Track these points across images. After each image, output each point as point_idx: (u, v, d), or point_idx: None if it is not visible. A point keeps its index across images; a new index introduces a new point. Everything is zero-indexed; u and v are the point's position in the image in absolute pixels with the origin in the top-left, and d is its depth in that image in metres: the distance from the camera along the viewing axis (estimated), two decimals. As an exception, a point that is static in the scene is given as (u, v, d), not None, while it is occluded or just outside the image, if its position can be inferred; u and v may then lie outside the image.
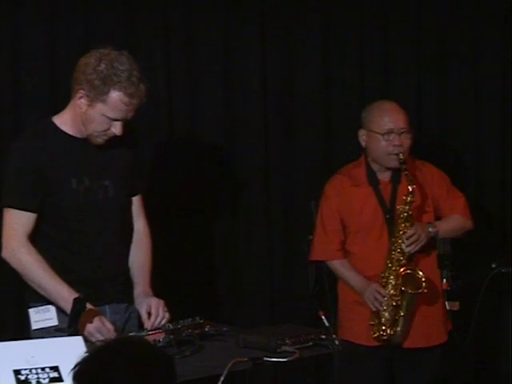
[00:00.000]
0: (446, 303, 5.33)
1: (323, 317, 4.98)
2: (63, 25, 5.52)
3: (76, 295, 4.38)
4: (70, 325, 4.39)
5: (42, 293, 4.47)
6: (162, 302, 4.55)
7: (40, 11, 5.50)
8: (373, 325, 5.18)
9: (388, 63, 6.18)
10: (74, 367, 2.75)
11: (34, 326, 4.52)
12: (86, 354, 2.86)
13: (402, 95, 5.77)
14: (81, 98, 4.44)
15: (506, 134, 6.35)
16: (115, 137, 4.49)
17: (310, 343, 4.66)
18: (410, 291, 5.12)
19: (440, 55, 6.29)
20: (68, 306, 4.37)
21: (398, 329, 5.17)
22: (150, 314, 4.53)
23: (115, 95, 4.39)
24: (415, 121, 5.40)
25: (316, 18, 6.05)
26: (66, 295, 4.41)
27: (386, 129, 5.19)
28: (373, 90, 5.95)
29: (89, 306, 4.40)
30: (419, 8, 6.21)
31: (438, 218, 5.31)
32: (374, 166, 5.28)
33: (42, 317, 4.51)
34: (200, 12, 5.83)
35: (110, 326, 4.39)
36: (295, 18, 6.01)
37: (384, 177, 5.28)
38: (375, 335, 5.17)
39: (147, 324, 4.53)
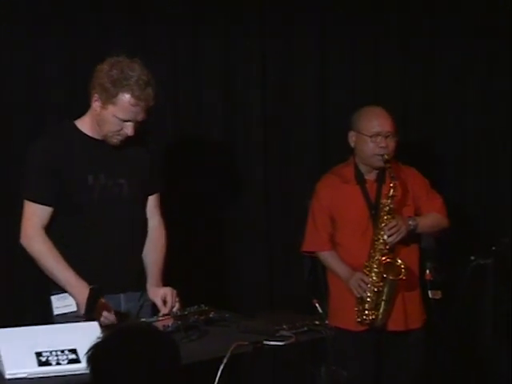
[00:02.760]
0: (429, 292, 5.40)
1: (317, 304, 5.00)
2: (83, 38, 5.52)
3: (83, 283, 4.42)
4: (86, 311, 4.41)
5: (54, 279, 4.48)
6: (174, 292, 4.57)
7: (63, 24, 5.49)
8: (357, 310, 5.20)
9: (377, 74, 6.16)
10: (88, 351, 2.76)
11: (56, 312, 4.52)
12: (99, 339, 2.87)
13: (389, 102, 5.73)
14: (95, 101, 4.46)
15: (483, 140, 6.38)
16: (131, 139, 4.50)
17: (305, 328, 4.68)
18: (390, 277, 5.14)
19: (425, 68, 6.28)
20: (74, 293, 4.44)
21: (380, 313, 5.19)
22: (165, 302, 4.55)
23: (124, 97, 4.40)
24: (400, 124, 5.38)
25: (313, 35, 6.06)
26: (73, 282, 4.44)
27: (373, 131, 5.21)
28: (363, 96, 5.91)
29: (101, 295, 4.39)
30: (406, 23, 6.22)
31: (418, 215, 5.32)
32: (362, 167, 5.31)
33: (62, 303, 4.51)
34: (205, 25, 5.81)
35: (112, 318, 4.40)
36: (293, 33, 6.01)
37: (370, 176, 5.30)
38: (359, 320, 5.19)
39: (163, 310, 4.54)
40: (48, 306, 4.54)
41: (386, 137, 5.19)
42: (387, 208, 5.16)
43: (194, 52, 5.82)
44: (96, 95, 4.45)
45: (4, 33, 5.38)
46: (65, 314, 4.49)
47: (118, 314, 4.47)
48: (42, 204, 4.49)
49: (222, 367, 4.25)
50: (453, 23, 6.28)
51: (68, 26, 5.50)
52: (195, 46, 5.81)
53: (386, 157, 5.16)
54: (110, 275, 4.53)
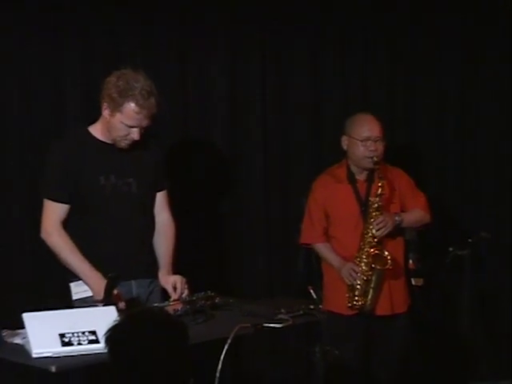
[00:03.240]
0: (412, 280, 5.42)
1: (311, 291, 5.01)
2: (99, 52, 5.51)
3: (97, 273, 4.45)
4: (105, 297, 4.43)
5: (70, 269, 4.51)
6: (183, 279, 4.58)
7: (80, 40, 5.49)
8: (348, 296, 5.21)
9: (366, 85, 6.16)
10: (106, 332, 2.77)
11: (75, 297, 4.55)
12: (116, 322, 2.89)
13: (378, 109, 5.73)
14: (105, 109, 4.49)
15: (463, 142, 6.38)
16: (138, 142, 4.51)
17: (301, 312, 4.69)
18: (378, 267, 5.15)
19: (408, 80, 6.28)
20: (89, 282, 4.47)
21: (369, 299, 5.19)
22: (175, 289, 4.56)
23: (129, 106, 4.43)
24: (388, 130, 5.37)
25: (306, 49, 6.02)
26: (88, 273, 4.47)
27: (364, 136, 5.20)
28: (354, 104, 5.91)
29: (116, 283, 4.40)
30: (393, 36, 6.20)
31: (403, 212, 5.32)
32: (353, 168, 5.31)
33: (80, 289, 4.53)
34: (212, 40, 5.80)
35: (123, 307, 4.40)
36: (290, 51, 5.99)
37: (361, 177, 5.30)
38: (349, 305, 5.20)
39: (174, 296, 4.55)
40: (67, 291, 4.56)
41: (376, 141, 5.19)
42: (376, 205, 5.18)
43: (201, 64, 5.80)
44: (105, 104, 4.47)
45: (28, 45, 5.37)
46: (82, 298, 4.50)
47: (129, 300, 4.48)
48: (59, 202, 4.52)
49: (226, 347, 4.26)
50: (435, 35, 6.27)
51: (83, 39, 5.50)
52: (202, 59, 5.79)
53: (375, 159, 5.17)
54: (121, 264, 4.53)
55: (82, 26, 5.47)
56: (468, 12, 6.21)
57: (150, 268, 4.67)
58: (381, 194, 5.18)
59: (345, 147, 5.30)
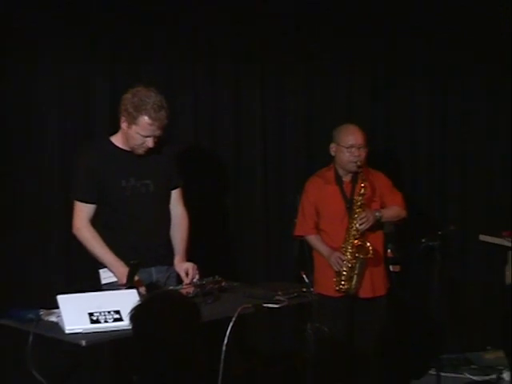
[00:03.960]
0: (391, 266, 5.43)
1: (304, 276, 5.01)
2: (122, 73, 5.53)
3: (120, 262, 4.45)
4: (128, 281, 4.43)
5: (98, 259, 4.52)
6: (195, 266, 4.58)
7: (106, 62, 5.51)
8: (335, 281, 5.22)
9: (350, 101, 6.16)
10: (130, 311, 2.78)
11: (103, 282, 4.55)
12: (138, 302, 2.90)
13: (362, 120, 5.73)
14: (123, 122, 4.49)
15: (433, 148, 6.38)
16: (153, 149, 4.51)
17: (295, 294, 4.69)
18: (361, 256, 5.17)
19: (387, 95, 6.27)
20: (113, 270, 4.48)
21: (353, 283, 5.21)
22: (187, 274, 4.57)
23: (143, 119, 4.42)
24: (369, 138, 5.37)
25: (301, 72, 6.02)
26: (112, 262, 4.47)
27: (349, 144, 5.21)
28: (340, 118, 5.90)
29: (137, 270, 4.42)
30: (373, 61, 6.16)
31: (382, 208, 5.33)
32: (340, 171, 5.31)
33: (108, 275, 4.53)
34: (222, 64, 5.81)
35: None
36: (287, 73, 5.99)
37: (346, 178, 5.31)
38: (336, 288, 5.21)
39: (186, 280, 4.55)
40: (97, 277, 4.57)
41: (359, 148, 5.20)
42: (359, 203, 5.19)
43: (210, 81, 5.81)
44: (123, 118, 4.48)
45: (64, 67, 5.40)
46: (110, 283, 4.51)
47: (150, 284, 4.48)
48: (87, 203, 4.52)
49: (231, 324, 4.27)
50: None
51: (109, 61, 5.53)
52: (211, 78, 5.80)
53: (359, 163, 5.18)
54: (143, 254, 4.53)
55: (108, 50, 5.49)
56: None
57: (167, 256, 4.66)
58: (363, 194, 5.19)
59: (333, 153, 5.30)
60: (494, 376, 5.63)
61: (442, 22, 6.15)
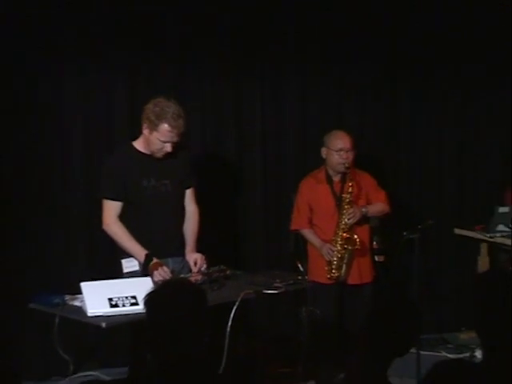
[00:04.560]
0: (376, 257, 5.43)
1: (299, 265, 5.03)
2: (140, 86, 5.54)
3: (145, 252, 4.45)
4: (142, 270, 4.44)
5: (125, 250, 4.52)
6: (203, 256, 4.58)
7: (126, 76, 5.53)
8: (327, 269, 5.21)
9: (341, 110, 6.15)
10: (145, 297, 2.78)
11: (125, 270, 4.55)
12: (152, 289, 2.89)
13: (350, 126, 5.73)
14: (145, 129, 4.49)
15: (413, 151, 6.37)
16: (171, 153, 4.52)
17: (291, 282, 4.69)
18: (349, 247, 5.17)
19: (372, 107, 6.25)
20: (139, 258, 4.47)
21: (342, 271, 5.20)
22: (195, 264, 4.57)
23: (163, 126, 4.44)
24: (357, 142, 5.37)
25: (296, 85, 6.00)
26: (138, 251, 4.47)
27: (338, 147, 5.21)
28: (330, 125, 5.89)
29: (155, 259, 4.44)
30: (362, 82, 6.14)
31: (368, 204, 5.32)
32: (330, 172, 5.31)
33: (129, 264, 4.53)
34: (225, 80, 5.81)
35: (166, 271, 4.43)
36: (284, 87, 5.98)
37: (336, 178, 5.30)
38: (328, 276, 5.20)
39: (194, 269, 4.56)
40: (119, 266, 4.56)
41: (347, 151, 5.20)
42: (347, 200, 5.18)
43: (215, 94, 5.82)
44: (145, 125, 4.48)
45: (88, 80, 5.41)
46: (131, 271, 4.51)
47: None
48: (114, 200, 4.53)
49: (235, 308, 4.27)
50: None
51: (128, 75, 5.53)
52: (215, 91, 5.81)
53: (347, 165, 5.17)
54: (161, 246, 4.54)
55: (128, 66, 5.51)
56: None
57: (181, 248, 4.67)
58: (351, 192, 5.19)
59: (324, 156, 5.30)
60: (467, 354, 5.64)
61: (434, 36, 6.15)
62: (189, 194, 4.73)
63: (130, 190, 4.53)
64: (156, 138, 4.46)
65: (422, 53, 6.14)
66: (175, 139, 4.47)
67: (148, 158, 4.55)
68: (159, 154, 4.52)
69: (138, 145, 4.58)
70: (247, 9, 5.70)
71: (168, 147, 4.47)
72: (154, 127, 4.44)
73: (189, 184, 4.72)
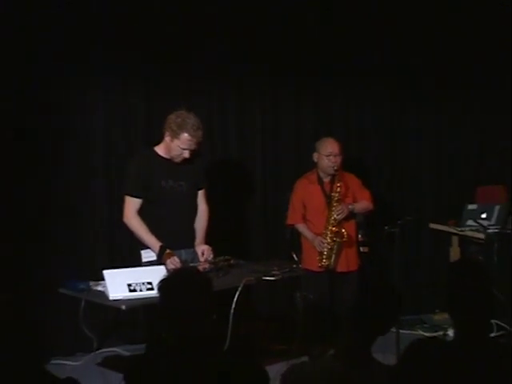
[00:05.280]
0: (361, 248, 5.41)
1: (294, 255, 5.02)
2: (157, 99, 5.53)
3: (159, 244, 4.45)
4: (157, 259, 4.44)
5: (143, 242, 4.51)
6: (209, 248, 4.59)
7: (143, 88, 5.52)
8: (318, 259, 5.19)
9: (331, 120, 6.14)
10: (158, 283, 2.78)
11: (144, 260, 4.54)
12: (165, 276, 2.89)
13: (338, 134, 5.73)
14: (167, 136, 4.51)
15: (393, 155, 6.35)
16: (188, 159, 4.53)
17: (287, 270, 4.72)
18: (338, 240, 5.15)
19: (357, 119, 6.23)
20: (155, 250, 4.47)
21: (332, 261, 5.18)
22: (203, 254, 4.56)
23: (184, 135, 4.45)
24: (344, 147, 5.37)
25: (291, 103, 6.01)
26: (153, 243, 4.47)
27: (328, 152, 5.19)
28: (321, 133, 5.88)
29: (168, 250, 4.43)
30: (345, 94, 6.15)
31: (354, 202, 5.31)
32: (321, 174, 5.28)
33: (147, 255, 4.53)
34: (229, 96, 5.80)
35: (177, 260, 4.41)
36: (281, 101, 5.97)
37: (326, 179, 5.27)
38: (319, 265, 5.18)
39: (201, 259, 4.56)
40: (139, 256, 4.56)
41: (336, 156, 5.18)
42: (336, 198, 5.16)
43: (221, 106, 5.81)
44: (167, 133, 4.50)
45: (110, 93, 5.41)
46: (149, 261, 4.50)
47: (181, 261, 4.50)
48: (135, 197, 4.52)
49: (237, 293, 4.28)
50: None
51: (145, 87, 5.53)
52: (221, 104, 5.79)
53: (335, 168, 5.16)
54: (176, 238, 4.53)
55: (144, 78, 5.50)
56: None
57: (193, 241, 4.66)
58: (339, 191, 5.16)
59: (315, 160, 5.28)
60: (441, 333, 5.64)
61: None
62: (200, 194, 4.73)
63: (150, 189, 4.52)
64: (176, 145, 4.47)
65: (401, 62, 6.10)
66: (193, 147, 4.49)
67: (167, 162, 4.55)
68: (178, 159, 4.53)
69: (159, 150, 4.58)
70: (248, 29, 5.67)
71: (186, 154, 4.49)
72: (175, 135, 4.45)
73: (201, 186, 4.73)
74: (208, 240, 4.70)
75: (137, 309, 4.27)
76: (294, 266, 4.90)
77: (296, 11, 5.75)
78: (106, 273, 4.24)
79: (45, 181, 5.23)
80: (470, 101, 6.33)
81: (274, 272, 4.67)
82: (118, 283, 4.19)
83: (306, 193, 5.30)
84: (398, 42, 6.06)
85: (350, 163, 5.45)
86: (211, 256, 4.59)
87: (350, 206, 5.22)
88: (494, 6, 5.96)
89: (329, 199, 5.22)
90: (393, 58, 6.08)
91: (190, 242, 4.64)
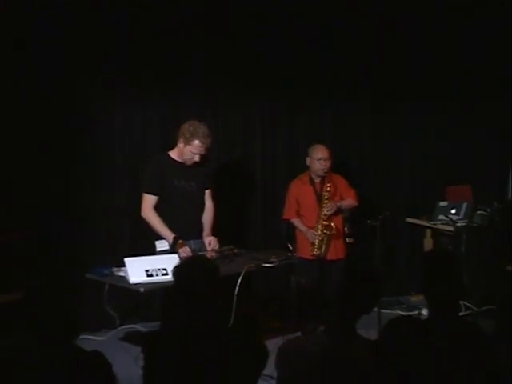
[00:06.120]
0: (347, 239, 5.40)
1: (289, 245, 5.02)
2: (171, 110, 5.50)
3: (173, 235, 4.45)
4: (171, 248, 4.43)
5: (158, 233, 4.50)
6: (215, 238, 4.59)
7: (157, 100, 5.49)
8: (310, 249, 5.19)
9: (325, 131, 6.13)
10: (173, 269, 2.78)
11: (158, 249, 4.53)
12: (179, 263, 2.89)
13: (327, 142, 5.71)
14: (181, 143, 4.52)
15: (375, 158, 6.35)
16: (197, 162, 4.53)
17: (284, 258, 4.72)
18: (327, 232, 5.16)
19: (343, 131, 6.22)
20: (168, 240, 4.46)
21: (322, 250, 5.19)
22: (210, 244, 4.56)
23: (195, 142, 4.47)
24: (332, 153, 5.36)
25: (286, 113, 6.00)
26: (167, 235, 4.47)
27: (319, 157, 5.19)
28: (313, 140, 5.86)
29: (180, 241, 4.42)
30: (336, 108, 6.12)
31: (341, 200, 5.30)
32: (312, 175, 5.28)
33: (161, 245, 4.52)
34: (233, 108, 5.79)
35: (188, 250, 4.40)
36: (278, 114, 5.96)
37: (317, 180, 5.27)
38: (311, 253, 5.18)
39: (209, 248, 4.56)
40: (154, 246, 4.55)
41: (325, 160, 5.18)
42: (326, 197, 5.17)
43: (227, 119, 5.80)
44: (181, 139, 4.51)
45: (128, 103, 5.38)
46: (162, 250, 4.50)
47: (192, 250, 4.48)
48: (152, 194, 4.52)
49: (240, 278, 4.28)
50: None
51: (160, 99, 5.49)
52: (227, 117, 5.79)
53: (325, 170, 5.17)
54: (186, 230, 4.53)
55: (157, 91, 5.46)
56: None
57: (201, 233, 4.66)
58: (328, 191, 5.17)
59: (308, 163, 5.28)
60: (416, 312, 5.63)
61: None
62: (207, 193, 4.73)
63: (165, 188, 4.52)
64: (189, 151, 4.48)
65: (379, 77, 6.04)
66: (203, 152, 4.50)
67: (180, 165, 4.55)
68: (189, 163, 4.53)
69: (173, 154, 4.58)
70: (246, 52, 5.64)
71: (197, 158, 4.49)
72: (187, 142, 4.46)
73: (208, 186, 4.73)
74: (214, 232, 4.70)
75: (153, 291, 4.26)
76: (290, 254, 4.90)
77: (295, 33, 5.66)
78: (127, 260, 4.25)
79: (76, 180, 5.23)
80: (441, 108, 6.28)
81: (272, 260, 4.67)
82: (137, 269, 4.19)
83: (299, 192, 5.30)
84: (380, 58, 5.96)
85: (337, 166, 5.44)
86: (217, 246, 4.59)
87: (337, 203, 5.22)
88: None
89: (319, 197, 5.22)
90: (374, 72, 6.02)
91: (198, 234, 4.64)
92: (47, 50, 4.91)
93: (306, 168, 5.33)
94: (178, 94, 5.51)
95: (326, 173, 5.18)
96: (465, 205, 5.88)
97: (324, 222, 5.17)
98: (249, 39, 5.59)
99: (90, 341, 4.72)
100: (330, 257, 5.24)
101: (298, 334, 4.45)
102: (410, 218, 6.13)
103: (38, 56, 4.88)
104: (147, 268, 4.20)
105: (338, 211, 5.27)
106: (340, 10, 5.61)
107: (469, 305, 5.48)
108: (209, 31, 5.41)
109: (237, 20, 5.45)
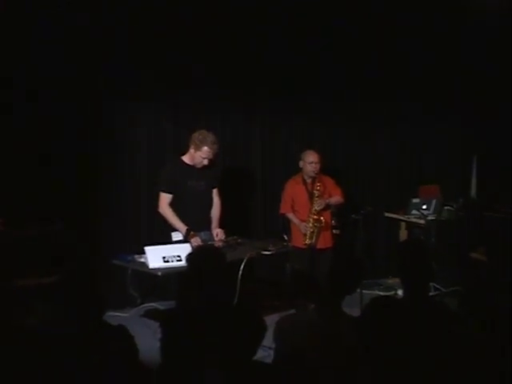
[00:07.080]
0: (334, 231, 5.38)
1: (285, 236, 5.01)
2: (182, 120, 5.44)
3: (186, 227, 4.43)
4: (184, 239, 4.42)
5: (173, 226, 4.48)
6: (222, 230, 4.58)
7: (171, 110, 5.44)
8: (303, 239, 5.17)
9: (312, 139, 6.10)
10: (186, 256, 2.78)
11: (173, 239, 4.50)
12: (191, 251, 2.88)
13: (318, 147, 5.69)
14: (192, 149, 4.51)
15: (361, 160, 6.32)
16: (206, 165, 4.51)
17: (280, 247, 4.70)
18: (318, 225, 5.15)
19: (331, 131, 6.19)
20: (182, 232, 4.44)
21: (313, 240, 5.17)
22: (217, 235, 4.54)
23: (204, 148, 4.45)
24: (322, 157, 5.33)
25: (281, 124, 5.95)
26: (181, 227, 4.45)
27: (310, 160, 5.18)
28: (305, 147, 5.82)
29: (192, 232, 4.40)
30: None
31: (330, 197, 5.28)
32: (305, 176, 5.26)
33: (176, 236, 4.50)
34: (235, 116, 5.75)
35: (199, 240, 4.38)
36: (275, 126, 5.92)
37: (309, 181, 5.25)
38: (304, 243, 5.16)
39: (216, 239, 4.55)
40: (170, 236, 4.53)
41: (316, 163, 5.16)
42: (316, 195, 5.15)
43: (231, 129, 5.77)
44: (192, 146, 4.50)
45: (147, 111, 5.32)
46: (177, 241, 4.47)
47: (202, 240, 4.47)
48: (167, 193, 4.50)
49: (243, 263, 4.28)
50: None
51: (173, 109, 5.42)
52: (231, 127, 5.75)
53: (316, 172, 5.16)
54: (196, 224, 4.50)
55: (172, 103, 5.41)
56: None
57: (209, 225, 4.65)
58: (319, 189, 5.16)
59: (300, 166, 5.25)
60: (392, 292, 5.61)
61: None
62: (215, 191, 4.71)
63: (179, 187, 4.50)
64: (199, 155, 4.47)
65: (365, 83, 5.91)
66: (211, 157, 4.49)
67: (191, 167, 4.54)
68: (199, 166, 4.52)
69: (186, 158, 4.57)
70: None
71: (206, 161, 4.49)
72: (198, 148, 4.46)
73: (215, 185, 4.72)
74: (221, 224, 4.69)
75: (169, 275, 4.26)
76: (285, 243, 4.88)
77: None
78: (147, 248, 4.25)
79: (106, 180, 5.21)
80: (417, 114, 6.19)
81: (270, 248, 4.67)
82: (156, 256, 4.19)
83: (293, 190, 5.28)
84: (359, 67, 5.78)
85: (327, 168, 5.42)
86: (223, 236, 4.58)
87: (326, 200, 5.21)
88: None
89: (311, 195, 5.21)
90: (355, 82, 5.87)
91: (207, 226, 4.63)
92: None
93: (298, 170, 5.32)
94: (190, 108, 5.44)
95: (316, 174, 5.17)
96: (434, 201, 5.88)
97: (315, 216, 5.16)
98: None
99: (116, 317, 4.71)
100: (319, 246, 5.23)
101: (292, 311, 4.45)
102: (388, 212, 6.11)
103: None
104: (164, 255, 4.20)
105: (327, 207, 5.25)
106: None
107: (437, 286, 5.48)
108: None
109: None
